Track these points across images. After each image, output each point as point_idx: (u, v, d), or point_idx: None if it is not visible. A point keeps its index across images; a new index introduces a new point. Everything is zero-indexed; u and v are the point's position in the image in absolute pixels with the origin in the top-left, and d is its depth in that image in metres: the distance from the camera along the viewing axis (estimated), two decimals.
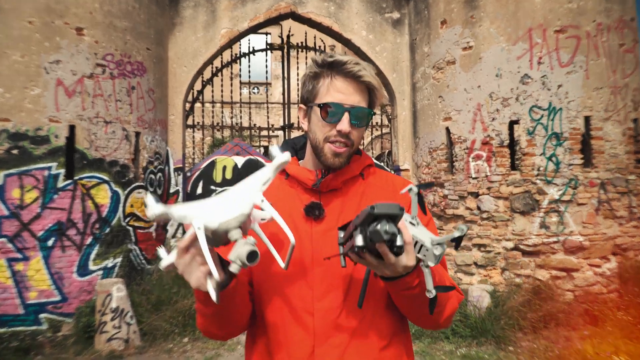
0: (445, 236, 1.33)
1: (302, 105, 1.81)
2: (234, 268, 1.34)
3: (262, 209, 1.49)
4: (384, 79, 9.85)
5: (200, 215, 1.35)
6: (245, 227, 1.44)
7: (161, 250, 1.47)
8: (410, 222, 1.41)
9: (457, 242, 1.34)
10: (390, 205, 1.25)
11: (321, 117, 1.70)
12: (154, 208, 1.34)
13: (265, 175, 1.51)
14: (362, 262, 1.42)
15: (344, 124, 1.67)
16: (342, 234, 1.47)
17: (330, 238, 1.68)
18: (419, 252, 1.39)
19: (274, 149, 1.59)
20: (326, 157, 1.71)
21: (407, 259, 1.38)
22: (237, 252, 1.32)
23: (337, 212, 1.74)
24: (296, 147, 1.91)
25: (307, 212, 1.72)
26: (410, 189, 1.44)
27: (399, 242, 1.32)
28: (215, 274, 1.33)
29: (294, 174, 1.79)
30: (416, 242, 1.39)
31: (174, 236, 8.84)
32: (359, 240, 1.31)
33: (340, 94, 1.67)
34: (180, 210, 1.38)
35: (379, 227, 1.26)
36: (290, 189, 1.80)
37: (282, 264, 1.50)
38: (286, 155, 1.58)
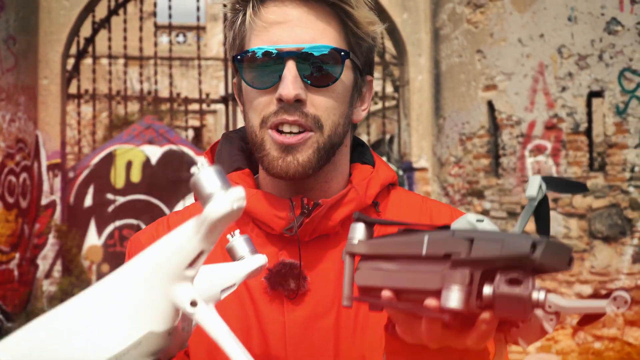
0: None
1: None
2: None
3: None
4: (388, 22, 9.13)
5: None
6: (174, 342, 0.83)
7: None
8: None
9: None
10: (514, 240, 0.71)
11: (245, 81, 1.10)
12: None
13: (191, 250, 0.75)
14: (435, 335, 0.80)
15: (286, 84, 1.04)
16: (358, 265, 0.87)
17: (320, 332, 1.11)
18: None
19: (205, 173, 0.73)
20: (270, 158, 1.08)
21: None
22: None
23: (333, 283, 1.13)
24: (247, 149, 1.26)
25: (274, 284, 1.11)
26: None
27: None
28: None
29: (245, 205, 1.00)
30: None
31: (48, 275, 8.13)
32: (455, 299, 0.75)
33: (273, 30, 1.06)
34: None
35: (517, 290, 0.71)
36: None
37: None
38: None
